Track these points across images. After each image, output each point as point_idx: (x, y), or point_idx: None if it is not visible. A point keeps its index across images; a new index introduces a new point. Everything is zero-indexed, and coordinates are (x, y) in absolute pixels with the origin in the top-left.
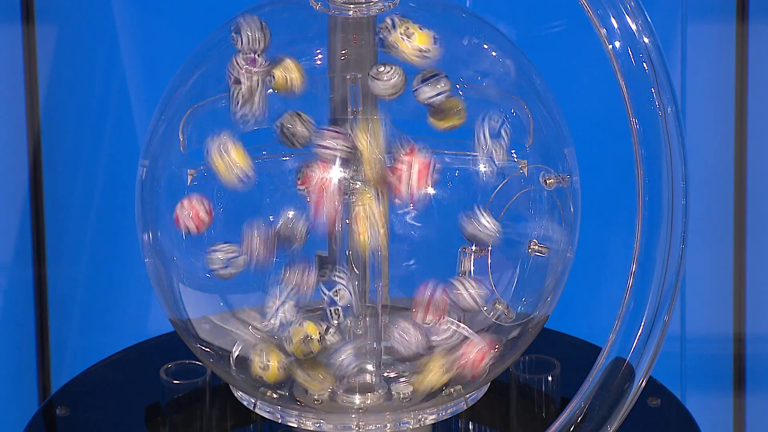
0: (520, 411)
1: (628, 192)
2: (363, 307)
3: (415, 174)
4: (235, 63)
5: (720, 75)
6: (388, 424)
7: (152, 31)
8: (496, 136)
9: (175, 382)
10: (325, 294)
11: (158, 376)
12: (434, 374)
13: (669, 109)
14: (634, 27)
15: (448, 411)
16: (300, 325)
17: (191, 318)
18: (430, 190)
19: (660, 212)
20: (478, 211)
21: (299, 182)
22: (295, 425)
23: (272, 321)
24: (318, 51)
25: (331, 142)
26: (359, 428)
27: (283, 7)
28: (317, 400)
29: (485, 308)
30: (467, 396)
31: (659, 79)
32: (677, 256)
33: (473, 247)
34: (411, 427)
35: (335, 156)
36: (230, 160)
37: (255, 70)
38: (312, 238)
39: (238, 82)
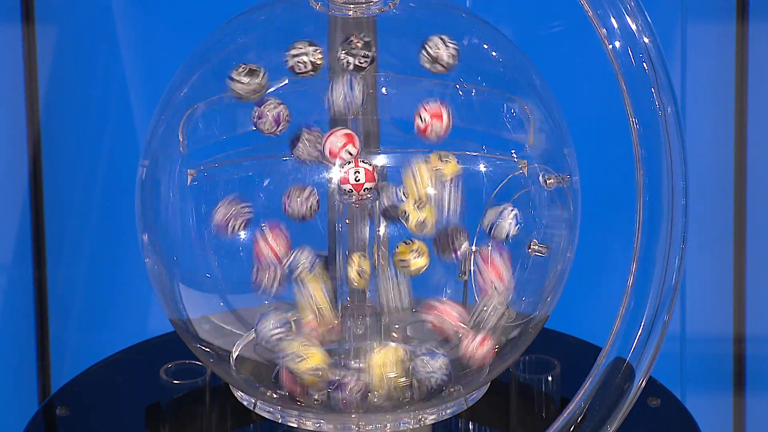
0: (520, 411)
1: (628, 192)
2: (364, 307)
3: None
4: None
5: (720, 75)
6: (388, 424)
7: (152, 31)
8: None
9: (175, 382)
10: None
11: (158, 376)
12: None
13: (669, 109)
14: (634, 27)
15: (448, 411)
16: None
17: (191, 318)
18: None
19: (660, 212)
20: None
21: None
22: (295, 425)
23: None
24: (318, 51)
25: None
26: (359, 428)
27: (283, 7)
28: (317, 400)
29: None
30: (467, 396)
31: (659, 79)
32: (677, 256)
33: (473, 248)
34: (411, 427)
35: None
36: None
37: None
38: (313, 235)
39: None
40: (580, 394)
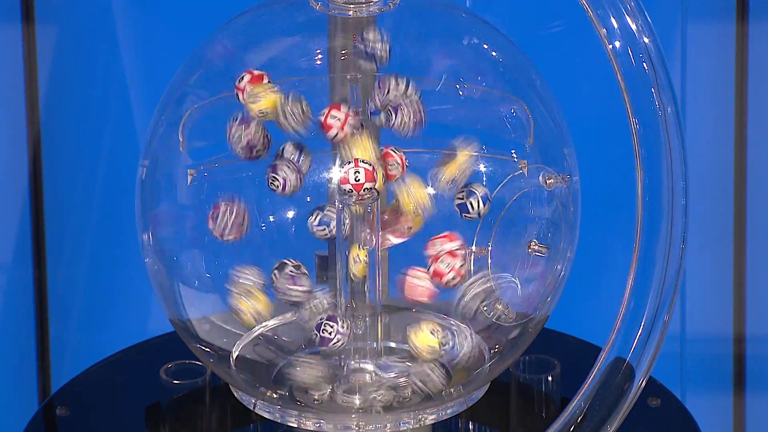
0: (520, 411)
1: (628, 192)
2: (363, 307)
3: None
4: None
5: (720, 75)
6: (388, 424)
7: (152, 31)
8: None
9: (175, 382)
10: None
11: (158, 376)
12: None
13: (669, 109)
14: (634, 27)
15: (448, 411)
16: None
17: (191, 318)
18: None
19: (660, 212)
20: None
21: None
22: (295, 425)
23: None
24: (318, 51)
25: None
26: (359, 428)
27: (283, 7)
28: (317, 400)
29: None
30: (467, 396)
31: (659, 79)
32: (677, 256)
33: (473, 248)
34: (411, 427)
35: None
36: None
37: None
38: (312, 239)
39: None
40: (580, 394)
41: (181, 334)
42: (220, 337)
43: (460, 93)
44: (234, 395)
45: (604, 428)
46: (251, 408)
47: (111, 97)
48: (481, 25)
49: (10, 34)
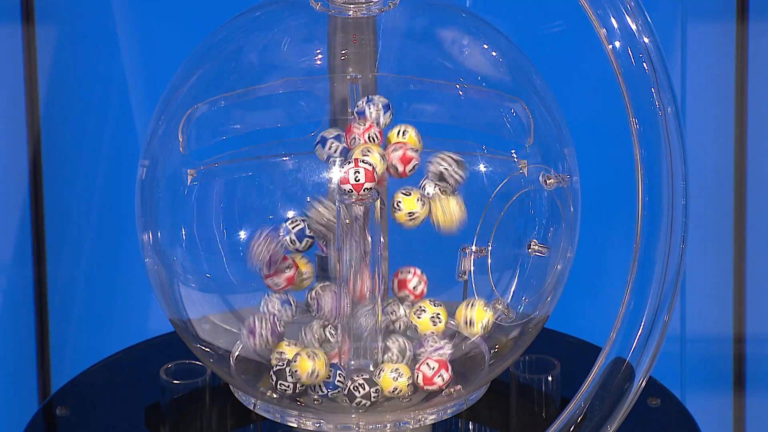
0: (520, 411)
1: (628, 192)
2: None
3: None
4: None
5: (720, 75)
6: (388, 424)
7: (152, 31)
8: None
9: (175, 382)
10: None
11: (158, 376)
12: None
13: (669, 109)
14: (634, 27)
15: (448, 411)
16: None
17: (191, 318)
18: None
19: (660, 212)
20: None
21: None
22: (295, 425)
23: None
24: (318, 51)
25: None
26: (359, 428)
27: (283, 7)
28: (317, 400)
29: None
30: (467, 396)
31: (659, 79)
32: (677, 256)
33: (473, 247)
34: (411, 427)
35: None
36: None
37: None
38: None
39: None
40: (580, 394)
41: (181, 334)
42: (220, 337)
43: (460, 93)
44: (234, 395)
45: (604, 428)
46: (251, 408)
47: (111, 97)
48: (481, 25)
49: (10, 34)
